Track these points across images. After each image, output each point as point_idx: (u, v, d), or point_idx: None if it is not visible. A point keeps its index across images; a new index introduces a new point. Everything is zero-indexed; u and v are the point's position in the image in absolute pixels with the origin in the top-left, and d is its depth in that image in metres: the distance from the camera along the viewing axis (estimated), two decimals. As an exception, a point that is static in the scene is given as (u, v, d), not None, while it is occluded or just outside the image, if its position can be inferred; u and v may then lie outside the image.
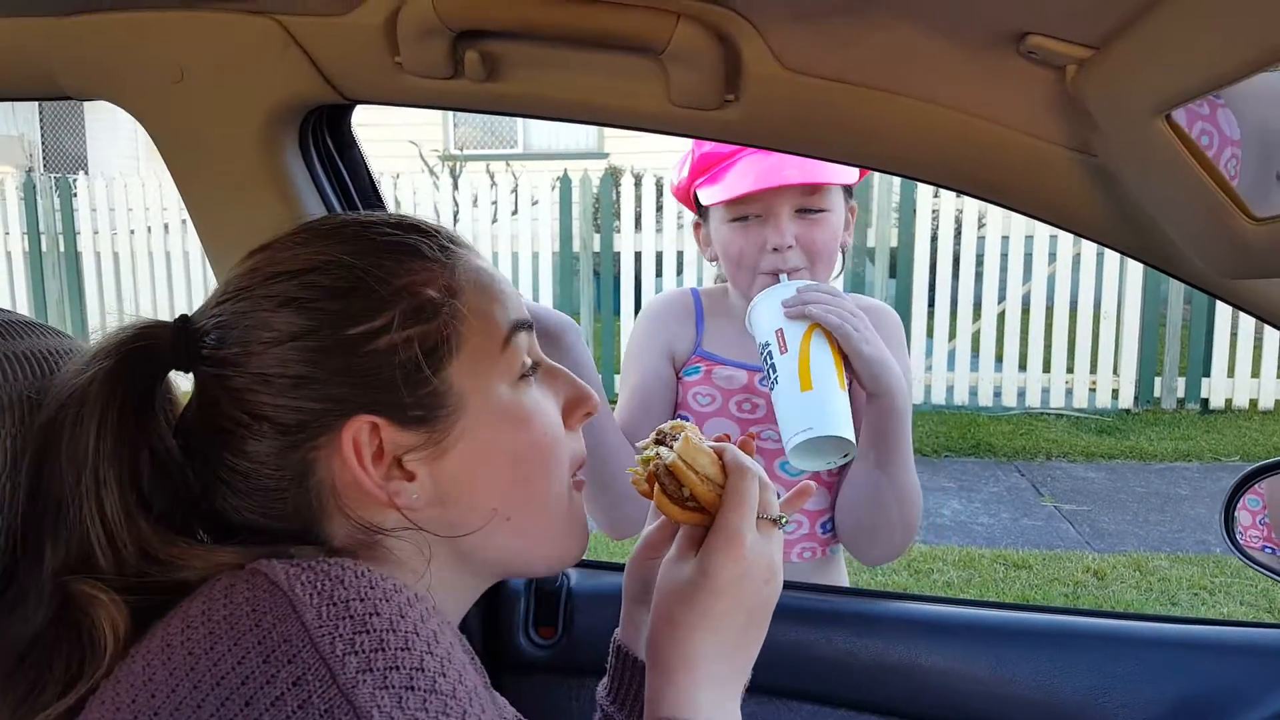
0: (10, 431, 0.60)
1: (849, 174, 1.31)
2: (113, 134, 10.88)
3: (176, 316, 0.66)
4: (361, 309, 0.62)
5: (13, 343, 0.64)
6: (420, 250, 0.66)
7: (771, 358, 1.17)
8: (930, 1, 0.73)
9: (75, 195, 7.02)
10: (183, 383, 0.68)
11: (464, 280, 0.66)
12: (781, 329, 1.17)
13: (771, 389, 1.18)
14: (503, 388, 0.66)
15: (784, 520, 0.72)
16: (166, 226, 6.85)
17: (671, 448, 0.72)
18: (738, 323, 1.39)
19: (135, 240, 6.87)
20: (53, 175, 7.33)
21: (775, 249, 1.27)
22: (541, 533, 0.69)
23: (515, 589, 1.20)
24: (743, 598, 0.67)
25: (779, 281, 1.28)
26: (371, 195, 1.15)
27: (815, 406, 1.12)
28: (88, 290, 6.94)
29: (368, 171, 1.15)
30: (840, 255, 1.35)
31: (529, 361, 0.69)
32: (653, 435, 0.77)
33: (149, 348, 0.63)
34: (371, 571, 0.54)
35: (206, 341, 0.63)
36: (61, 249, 6.94)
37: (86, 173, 8.35)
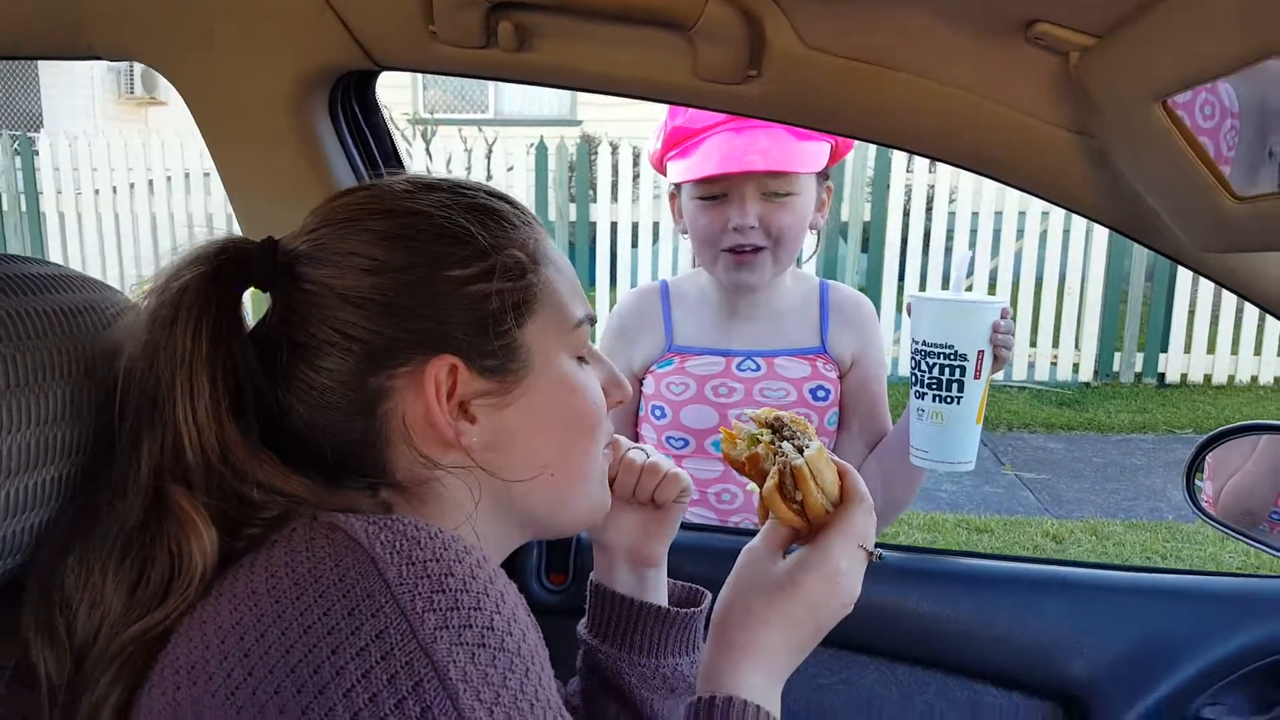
0: (72, 382, 0.62)
1: (815, 161, 1.31)
2: (70, 92, 10.59)
3: (264, 238, 0.69)
4: (460, 255, 0.67)
5: (64, 296, 0.66)
6: (510, 218, 0.71)
7: (962, 375, 1.16)
8: (946, -12, 0.79)
9: (37, 154, 6.85)
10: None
11: (545, 255, 0.72)
12: (983, 352, 1.16)
13: (941, 402, 1.17)
14: (566, 359, 0.72)
15: (878, 555, 0.76)
16: (132, 186, 6.72)
17: (796, 445, 0.76)
18: (710, 308, 1.43)
19: (100, 201, 6.75)
20: (9, 133, 7.13)
21: (736, 229, 1.31)
22: (578, 492, 0.75)
23: (529, 538, 1.25)
24: (820, 613, 0.73)
25: (743, 257, 1.30)
26: (394, 160, 1.18)
27: (975, 440, 1.18)
28: (51, 251, 6.81)
29: (389, 137, 1.18)
30: (816, 237, 1.37)
31: (587, 347, 0.75)
32: (765, 412, 0.80)
33: (240, 258, 0.67)
34: (444, 533, 0.58)
35: (301, 260, 0.67)
36: (23, 209, 6.79)
37: (42, 129, 8.12)
